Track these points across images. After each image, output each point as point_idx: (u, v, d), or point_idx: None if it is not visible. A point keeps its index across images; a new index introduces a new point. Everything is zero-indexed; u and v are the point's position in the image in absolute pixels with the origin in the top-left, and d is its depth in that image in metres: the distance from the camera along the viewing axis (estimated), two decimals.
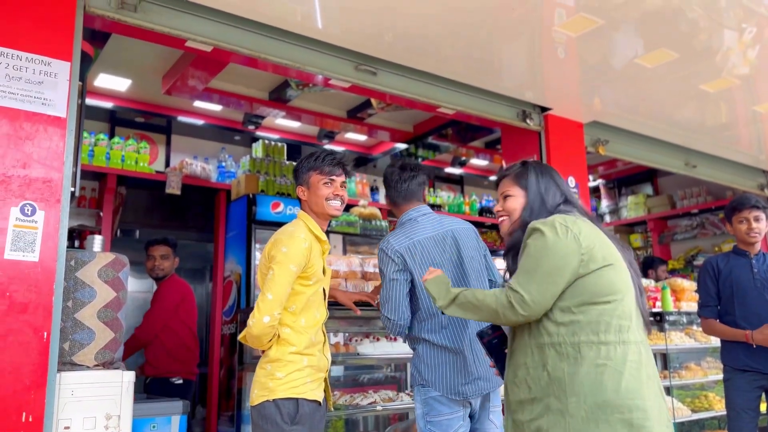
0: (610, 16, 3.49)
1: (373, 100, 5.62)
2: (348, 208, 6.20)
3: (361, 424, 4.44)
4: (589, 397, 1.76)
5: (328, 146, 6.79)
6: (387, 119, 6.29)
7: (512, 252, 2.09)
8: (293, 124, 6.42)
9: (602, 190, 8.70)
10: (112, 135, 5.83)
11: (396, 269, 2.71)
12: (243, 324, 3.91)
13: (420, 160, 7.02)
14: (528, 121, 4.71)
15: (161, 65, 5.02)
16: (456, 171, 7.92)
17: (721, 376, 3.73)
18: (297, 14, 3.41)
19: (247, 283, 5.29)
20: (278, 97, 5.56)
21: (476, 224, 7.12)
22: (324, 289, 2.64)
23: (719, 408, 5.00)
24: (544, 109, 4.82)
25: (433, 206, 7.60)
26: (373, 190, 7.41)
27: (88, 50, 3.16)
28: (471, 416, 2.71)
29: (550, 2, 3.36)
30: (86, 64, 3.14)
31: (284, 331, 2.46)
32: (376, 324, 4.04)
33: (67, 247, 2.60)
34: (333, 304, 2.97)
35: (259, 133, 6.34)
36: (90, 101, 5.34)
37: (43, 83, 2.64)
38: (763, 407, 3.51)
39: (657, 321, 4.89)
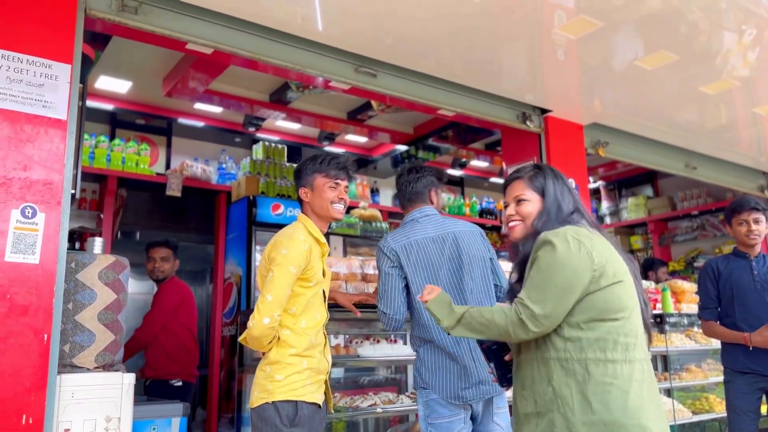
0: (610, 19, 3.49)
1: (373, 102, 5.62)
2: (348, 209, 6.20)
3: (361, 426, 4.44)
4: (596, 416, 1.74)
5: (329, 148, 6.80)
6: (387, 121, 6.30)
7: (522, 263, 2.02)
8: (293, 126, 6.42)
9: (602, 192, 8.70)
10: (112, 137, 5.84)
11: (391, 265, 2.75)
12: (243, 326, 3.92)
13: (420, 161, 7.03)
14: (528, 123, 4.71)
15: (162, 67, 5.03)
16: (456, 173, 7.92)
17: (721, 378, 3.73)
18: (297, 16, 3.42)
19: (247, 284, 5.29)
20: (278, 99, 5.56)
21: (478, 226, 7.11)
22: (324, 291, 2.65)
23: (720, 410, 5.00)
24: (544, 111, 4.83)
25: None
26: (374, 191, 7.41)
27: (89, 53, 3.17)
28: (474, 418, 2.71)
29: (550, 4, 3.36)
30: (87, 66, 3.15)
31: (284, 333, 2.46)
32: (376, 326, 4.04)
33: (68, 249, 2.61)
34: (333, 306, 2.97)
35: (259, 134, 6.34)
36: (91, 103, 5.34)
37: (44, 86, 2.64)
38: (763, 409, 3.51)
39: (657, 323, 4.88)
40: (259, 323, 2.37)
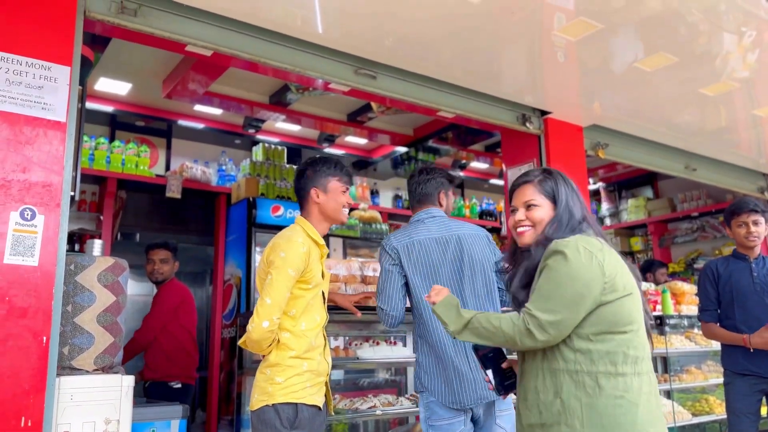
0: (609, 20, 3.49)
1: (373, 104, 5.62)
2: (348, 211, 6.20)
3: (361, 428, 4.43)
4: (607, 429, 1.73)
5: (329, 150, 6.81)
6: (387, 123, 6.30)
7: (530, 270, 1.97)
8: (293, 128, 6.42)
9: (602, 194, 8.70)
10: (112, 139, 5.84)
11: (392, 263, 2.76)
12: (243, 328, 3.91)
13: (420, 163, 7.03)
14: (528, 124, 4.71)
15: (161, 69, 5.03)
16: (456, 174, 7.92)
17: (721, 380, 3.73)
18: (297, 18, 3.42)
19: (247, 286, 5.29)
20: (278, 101, 5.56)
21: None
22: (323, 293, 2.65)
23: (720, 411, 4.99)
24: (543, 113, 4.83)
25: None
26: (374, 193, 7.42)
27: (88, 55, 3.17)
28: (475, 421, 2.70)
29: (550, 6, 3.36)
30: (86, 68, 3.15)
31: (284, 336, 2.46)
32: (376, 328, 4.04)
33: (67, 251, 2.60)
34: (332, 308, 2.97)
35: (259, 136, 6.35)
36: (90, 105, 5.34)
37: (43, 88, 2.64)
38: (763, 411, 3.51)
39: (657, 324, 4.88)
40: (258, 327, 2.37)
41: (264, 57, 3.51)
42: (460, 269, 2.75)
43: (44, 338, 2.44)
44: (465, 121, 4.63)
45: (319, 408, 2.53)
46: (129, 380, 2.62)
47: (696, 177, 6.07)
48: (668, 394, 4.94)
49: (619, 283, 1.82)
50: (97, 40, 4.05)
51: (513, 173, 4.88)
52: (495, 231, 7.78)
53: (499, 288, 2.82)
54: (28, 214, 2.49)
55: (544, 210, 2.01)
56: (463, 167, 7.59)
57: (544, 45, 3.79)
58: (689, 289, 5.29)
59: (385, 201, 7.72)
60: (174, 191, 5.50)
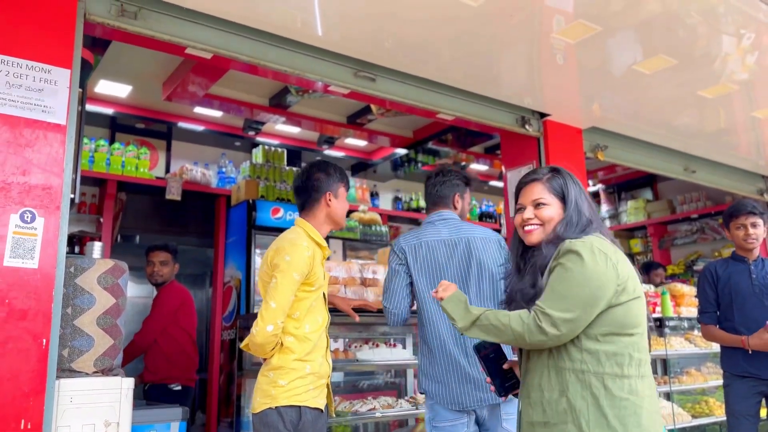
0: (608, 23, 3.50)
1: (372, 106, 5.63)
2: (348, 213, 6.21)
3: (360, 431, 4.43)
4: (611, 430, 1.74)
5: (328, 152, 6.82)
6: (387, 125, 6.31)
7: (540, 269, 1.95)
8: (293, 130, 6.43)
9: (602, 195, 8.71)
10: (112, 141, 5.85)
11: (398, 262, 2.80)
12: (243, 330, 3.92)
13: (420, 165, 7.04)
14: (527, 126, 4.72)
15: (161, 72, 5.04)
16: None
17: (721, 382, 3.73)
18: (297, 21, 3.42)
19: (247, 288, 5.29)
20: (278, 103, 5.57)
21: None
22: (324, 294, 2.66)
23: (720, 413, 4.99)
24: (543, 115, 4.83)
25: None
26: (373, 195, 7.42)
27: (88, 57, 3.17)
28: (480, 423, 2.71)
29: (549, 9, 3.36)
30: (86, 71, 3.15)
31: (287, 340, 2.47)
32: (375, 330, 4.04)
33: (67, 254, 2.61)
34: (332, 311, 2.97)
35: (259, 138, 6.35)
36: (90, 107, 5.35)
37: (43, 90, 2.64)
38: (763, 413, 3.51)
39: (657, 326, 4.88)
40: (262, 330, 2.37)
41: (264, 59, 3.52)
42: (467, 272, 2.75)
43: (44, 341, 2.44)
44: (464, 123, 4.63)
45: (321, 410, 2.53)
46: (129, 382, 2.63)
47: (695, 179, 6.07)
48: (668, 396, 4.95)
49: (630, 286, 1.83)
50: (98, 42, 4.06)
51: (512, 175, 4.89)
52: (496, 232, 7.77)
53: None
54: (28, 217, 2.50)
55: (553, 209, 2.00)
56: (462, 169, 7.59)
57: (543, 47, 3.79)
58: (689, 290, 5.30)
59: (385, 203, 7.73)
60: (174, 193, 5.51)
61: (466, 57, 3.89)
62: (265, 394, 2.44)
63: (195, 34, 3.29)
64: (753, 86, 4.47)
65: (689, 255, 7.74)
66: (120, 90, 5.35)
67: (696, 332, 5.37)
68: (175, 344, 4.42)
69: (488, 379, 2.08)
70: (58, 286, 2.52)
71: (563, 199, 2.01)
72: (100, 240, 5.17)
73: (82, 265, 2.64)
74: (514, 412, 2.70)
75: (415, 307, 2.85)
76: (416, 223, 7.75)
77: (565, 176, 2.07)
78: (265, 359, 2.55)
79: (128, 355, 4.21)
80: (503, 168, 5.16)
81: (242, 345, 2.53)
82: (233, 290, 5.48)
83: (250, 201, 5.43)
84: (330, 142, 6.62)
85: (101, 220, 5.39)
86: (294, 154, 6.66)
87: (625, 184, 8.52)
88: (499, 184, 7.93)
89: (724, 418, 3.68)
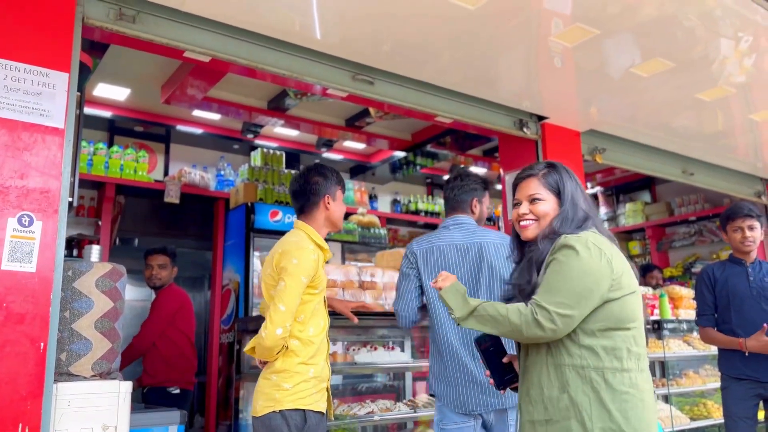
0: (605, 27, 3.50)
1: (371, 109, 5.64)
2: (347, 216, 6.22)
3: None
4: (615, 425, 1.75)
5: (327, 154, 6.82)
6: (385, 127, 6.31)
7: (536, 263, 1.97)
8: (292, 133, 6.44)
9: (600, 198, 8.71)
10: (111, 144, 5.85)
11: (409, 266, 2.83)
12: (241, 333, 3.92)
13: (419, 168, 7.05)
14: (525, 129, 4.72)
15: (160, 75, 5.04)
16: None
17: (720, 384, 3.73)
18: (295, 25, 3.43)
19: (245, 291, 5.29)
20: (277, 106, 5.58)
21: None
22: (324, 297, 2.67)
23: (718, 416, 4.99)
24: (541, 118, 4.84)
25: (431, 213, 7.63)
26: (372, 198, 7.43)
27: (87, 61, 3.18)
28: (487, 427, 2.71)
29: (547, 12, 3.37)
30: (84, 74, 3.15)
31: (292, 343, 2.48)
32: (374, 333, 4.04)
33: (65, 257, 2.61)
34: (330, 313, 2.98)
35: (257, 141, 6.36)
36: (89, 110, 5.36)
37: (41, 94, 2.65)
38: (760, 415, 3.51)
39: (655, 329, 4.88)
40: (271, 333, 2.37)
41: (262, 63, 3.52)
42: (477, 277, 2.76)
43: (42, 344, 2.44)
44: (462, 126, 4.64)
45: (323, 414, 2.54)
46: (126, 386, 2.62)
47: (693, 181, 6.08)
48: (666, 399, 4.95)
49: (625, 281, 1.85)
50: (96, 46, 4.07)
51: (511, 178, 4.88)
52: None
53: None
54: (25, 221, 2.50)
55: (548, 204, 2.01)
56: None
57: (541, 51, 3.80)
58: (687, 293, 5.30)
59: (384, 205, 7.73)
60: (172, 196, 5.51)
61: (464, 60, 3.90)
62: (269, 397, 2.44)
63: (193, 37, 3.29)
64: (751, 89, 4.48)
65: (687, 257, 7.75)
66: (118, 93, 5.35)
67: (694, 334, 5.37)
68: (174, 347, 4.42)
69: (487, 372, 2.09)
70: (56, 289, 2.52)
71: (559, 194, 2.02)
72: (98, 243, 5.17)
73: (80, 268, 2.64)
74: None
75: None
76: (415, 225, 7.76)
77: (561, 171, 2.07)
78: (263, 362, 2.56)
79: (127, 358, 4.21)
80: (501, 171, 5.17)
81: (247, 348, 2.53)
82: (232, 293, 5.48)
83: (249, 204, 5.44)
84: (328, 145, 6.63)
85: (100, 223, 5.40)
86: (292, 157, 6.67)
87: (623, 187, 8.53)
88: (498, 186, 7.93)
89: (722, 421, 3.69)
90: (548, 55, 3.85)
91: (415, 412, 3.80)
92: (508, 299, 2.08)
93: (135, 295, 6.34)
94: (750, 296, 3.47)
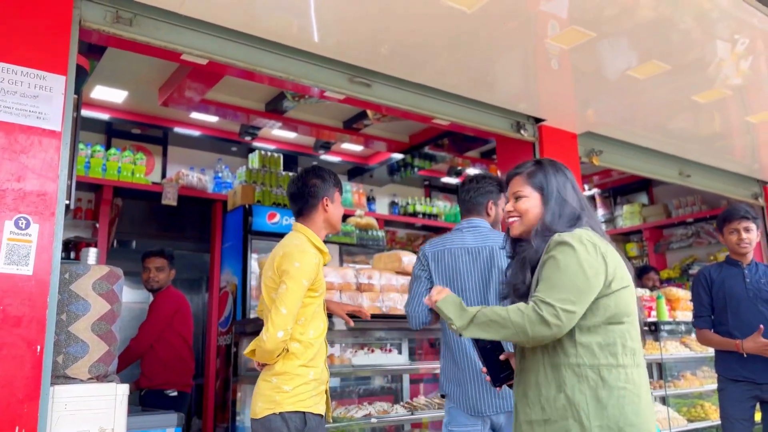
0: (602, 29, 3.52)
1: (368, 111, 5.64)
2: (345, 218, 6.22)
3: None
4: (612, 421, 1.75)
5: (325, 157, 6.83)
6: (383, 130, 6.32)
7: (530, 261, 1.98)
8: (289, 135, 6.44)
9: (598, 200, 8.72)
10: (108, 146, 5.85)
11: (420, 268, 2.85)
12: (239, 335, 3.92)
13: (416, 170, 7.06)
14: (522, 132, 4.73)
15: (157, 77, 5.04)
16: (452, 180, 7.95)
17: (716, 386, 3.74)
18: (293, 27, 3.43)
19: (243, 293, 5.29)
20: (274, 109, 5.58)
21: None
22: (323, 299, 2.68)
23: (715, 417, 4.99)
24: (538, 120, 4.85)
25: (429, 215, 7.64)
26: (370, 200, 7.43)
27: (84, 64, 3.18)
28: (497, 430, 2.72)
29: (543, 15, 3.38)
30: (82, 77, 3.16)
31: (293, 345, 2.49)
32: (371, 335, 4.04)
33: (63, 260, 2.61)
34: (328, 316, 2.98)
35: (255, 143, 6.36)
36: (86, 113, 5.35)
37: (38, 97, 2.65)
38: (757, 417, 3.51)
39: (652, 330, 4.89)
40: (273, 336, 2.38)
41: (259, 65, 3.53)
42: (487, 280, 2.76)
43: (38, 347, 2.44)
44: (460, 128, 4.65)
45: (322, 416, 2.55)
46: (123, 389, 2.62)
47: (690, 183, 6.09)
48: (663, 400, 4.95)
49: (618, 275, 1.87)
50: (93, 48, 4.07)
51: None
52: None
53: None
54: (22, 223, 2.50)
55: (530, 201, 2.04)
56: (459, 174, 7.61)
57: (538, 53, 3.81)
58: (684, 294, 5.30)
59: (381, 207, 7.73)
60: (170, 198, 5.51)
61: (461, 62, 3.91)
62: (269, 399, 2.44)
63: (190, 40, 3.29)
64: (747, 91, 4.49)
65: (685, 259, 7.76)
66: (116, 95, 5.35)
67: (692, 336, 5.37)
68: (172, 350, 4.41)
69: (484, 369, 2.09)
70: (52, 292, 2.52)
71: (543, 191, 2.05)
72: (96, 246, 5.17)
73: (76, 271, 2.64)
74: None
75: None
76: (413, 227, 7.76)
77: (546, 168, 2.08)
78: (261, 365, 2.55)
79: (124, 361, 4.20)
80: (499, 173, 5.17)
81: (247, 351, 2.53)
82: (229, 295, 5.47)
83: (247, 206, 5.44)
84: (326, 147, 6.63)
85: (97, 225, 5.39)
86: (290, 159, 6.67)
87: (620, 189, 8.54)
88: None
89: (720, 422, 3.69)
90: (545, 58, 3.86)
91: (412, 414, 3.80)
92: (503, 297, 2.11)
93: (133, 297, 6.34)
94: (746, 298, 3.48)
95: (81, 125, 3.33)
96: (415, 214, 7.56)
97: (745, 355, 3.37)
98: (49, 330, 2.49)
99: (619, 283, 1.86)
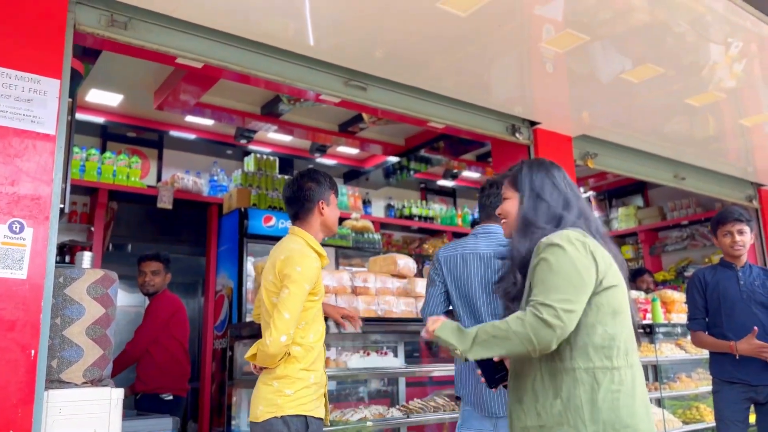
0: (596, 33, 3.53)
1: (364, 115, 5.65)
2: (341, 221, 6.22)
3: None
4: (608, 424, 1.74)
5: (320, 160, 6.83)
6: (378, 133, 6.33)
7: (517, 264, 1.98)
8: (285, 138, 6.44)
9: (593, 202, 8.75)
10: (103, 150, 5.84)
11: (435, 272, 2.88)
12: (235, 338, 3.91)
13: (412, 173, 7.06)
14: (517, 135, 4.74)
15: (153, 80, 5.04)
16: (448, 183, 7.96)
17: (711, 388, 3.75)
18: (288, 30, 3.44)
19: (239, 297, 5.28)
20: (270, 112, 5.58)
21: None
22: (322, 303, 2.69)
23: (710, 419, 5.00)
24: (533, 123, 4.86)
25: (425, 218, 7.64)
26: (366, 203, 7.43)
27: (78, 67, 3.17)
28: None
29: (538, 19, 3.39)
30: (76, 81, 3.15)
31: (294, 349, 2.49)
32: (367, 338, 4.04)
33: (57, 263, 2.61)
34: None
35: (251, 147, 6.36)
36: (81, 116, 5.35)
37: (33, 101, 2.64)
38: (752, 419, 3.52)
39: (647, 333, 4.90)
40: (276, 341, 2.38)
41: (255, 69, 3.53)
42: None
43: (32, 351, 2.43)
44: (455, 131, 4.66)
45: (322, 420, 2.55)
46: (118, 393, 2.62)
47: (685, 186, 6.12)
48: (659, 402, 4.96)
49: (609, 273, 1.86)
50: (88, 52, 4.06)
51: None
52: None
53: None
54: (16, 227, 2.49)
55: (511, 202, 2.08)
56: (455, 176, 7.63)
57: (533, 56, 3.82)
58: (679, 297, 5.32)
59: (377, 210, 7.74)
60: (165, 202, 5.50)
61: (456, 66, 3.92)
62: (270, 403, 2.44)
63: (185, 43, 3.30)
64: (741, 94, 4.51)
65: (680, 261, 7.79)
66: (111, 99, 5.35)
67: (687, 338, 5.39)
68: (167, 354, 4.40)
69: (479, 371, 2.09)
70: (46, 296, 2.52)
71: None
72: (91, 249, 5.16)
73: (71, 275, 2.64)
74: None
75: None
76: (409, 230, 7.77)
77: (524, 167, 2.10)
78: (263, 368, 2.55)
79: (120, 365, 4.19)
80: (495, 176, 5.18)
81: (247, 356, 2.52)
82: (225, 299, 5.47)
83: (242, 209, 5.43)
84: (322, 150, 6.63)
85: (92, 229, 5.38)
86: (286, 163, 6.67)
87: (615, 191, 8.57)
88: None
89: (715, 424, 3.70)
90: (540, 61, 3.87)
91: (408, 417, 3.80)
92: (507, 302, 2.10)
93: (129, 301, 6.32)
94: (740, 300, 3.49)
95: (76, 128, 3.33)
96: (411, 217, 7.57)
97: (738, 357, 3.38)
98: (43, 334, 2.48)
99: (610, 282, 1.85)
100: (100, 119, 5.60)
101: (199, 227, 6.06)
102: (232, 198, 5.65)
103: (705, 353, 4.94)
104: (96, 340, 2.62)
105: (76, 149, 5.26)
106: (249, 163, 6.07)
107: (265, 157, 6.10)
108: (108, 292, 2.71)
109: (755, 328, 3.31)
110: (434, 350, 4.70)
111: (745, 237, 3.51)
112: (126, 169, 5.54)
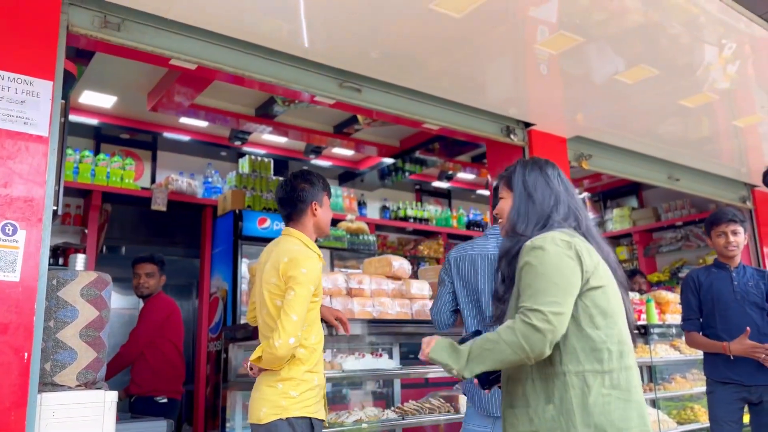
0: (589, 34, 3.54)
1: (359, 116, 5.64)
2: (335, 222, 6.21)
3: None
4: (599, 428, 1.73)
5: (315, 161, 6.82)
6: (373, 134, 6.32)
7: (505, 259, 1.99)
8: (280, 140, 6.43)
9: (588, 203, 8.76)
10: (97, 152, 5.82)
11: (445, 272, 2.92)
12: (229, 341, 3.90)
13: (407, 174, 7.07)
14: (512, 136, 4.75)
15: (146, 82, 5.03)
16: (443, 185, 7.96)
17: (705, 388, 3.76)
18: (283, 32, 3.43)
19: (233, 299, 5.26)
20: (265, 113, 5.57)
21: (464, 238, 7.12)
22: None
23: (705, 420, 5.01)
24: (527, 125, 4.87)
25: (420, 220, 7.64)
26: (361, 204, 7.43)
27: (71, 69, 3.16)
28: None
29: (532, 20, 3.40)
30: (69, 82, 3.14)
31: (299, 351, 2.49)
32: (362, 340, 4.03)
33: (51, 266, 2.59)
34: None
35: (245, 148, 6.34)
36: (75, 118, 5.32)
37: (25, 102, 2.63)
38: (746, 419, 3.53)
39: (642, 334, 4.91)
40: (285, 343, 2.37)
41: (249, 70, 3.53)
42: None
43: (25, 354, 2.42)
44: (450, 132, 4.66)
45: (323, 421, 2.56)
46: (112, 396, 2.60)
47: (679, 187, 6.14)
48: (654, 403, 4.96)
49: (596, 273, 1.84)
50: (81, 53, 4.05)
51: None
52: None
53: None
54: (9, 230, 2.48)
55: (506, 201, 2.07)
56: (450, 178, 7.63)
57: (527, 58, 3.83)
58: (674, 298, 5.33)
59: (372, 212, 7.74)
60: (159, 204, 5.48)
61: (450, 67, 3.92)
62: (274, 405, 2.43)
63: (179, 45, 3.29)
64: (734, 95, 4.53)
65: (674, 262, 7.81)
66: (105, 100, 5.33)
67: (682, 339, 5.40)
68: (162, 356, 4.38)
69: None
70: (40, 299, 2.50)
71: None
72: (84, 251, 5.14)
73: (64, 277, 2.62)
74: None
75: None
76: (404, 231, 7.77)
77: (517, 166, 2.09)
78: (262, 370, 2.53)
79: (114, 368, 4.17)
80: (489, 177, 5.19)
81: (252, 358, 2.49)
82: (220, 301, 5.45)
83: (237, 211, 5.42)
84: (317, 151, 6.63)
85: (86, 231, 5.35)
86: (281, 164, 6.66)
87: (610, 192, 8.59)
88: (487, 192, 7.96)
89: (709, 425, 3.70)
90: (534, 63, 3.88)
91: (403, 419, 3.79)
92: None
93: (123, 303, 6.29)
94: (734, 300, 3.50)
95: (70, 130, 3.31)
96: (406, 219, 7.57)
97: (732, 358, 3.39)
98: (36, 337, 2.47)
99: (597, 282, 1.83)
100: (93, 121, 5.58)
101: (194, 229, 6.05)
102: (226, 200, 5.63)
103: (699, 354, 4.95)
104: (90, 342, 2.61)
105: (69, 151, 5.23)
106: (243, 164, 6.06)
107: (259, 158, 6.09)
108: (102, 294, 2.69)
109: (748, 328, 3.32)
110: None
111: (738, 237, 3.52)
112: (120, 171, 5.52)
